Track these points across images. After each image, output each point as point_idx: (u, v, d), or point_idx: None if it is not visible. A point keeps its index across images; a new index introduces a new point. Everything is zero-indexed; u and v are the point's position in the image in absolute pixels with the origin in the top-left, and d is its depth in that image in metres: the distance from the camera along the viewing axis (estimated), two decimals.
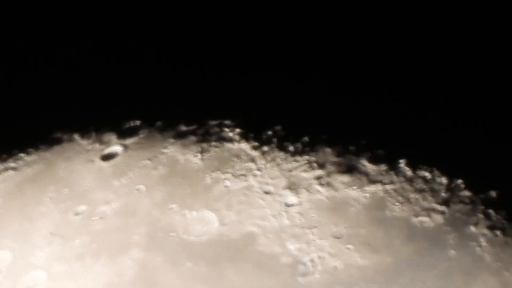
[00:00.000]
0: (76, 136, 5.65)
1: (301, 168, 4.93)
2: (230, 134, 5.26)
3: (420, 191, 4.64)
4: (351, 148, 4.97)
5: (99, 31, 6.60)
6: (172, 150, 5.32)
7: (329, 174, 4.83)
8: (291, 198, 4.74)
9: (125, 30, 6.45)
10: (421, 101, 5.12)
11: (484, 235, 4.36)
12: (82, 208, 4.99)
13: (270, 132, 5.20)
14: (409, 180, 4.71)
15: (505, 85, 5.16)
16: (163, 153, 5.31)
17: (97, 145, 5.54)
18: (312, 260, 4.37)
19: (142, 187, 5.08)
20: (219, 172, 5.04)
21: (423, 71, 5.39)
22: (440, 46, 5.57)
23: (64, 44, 6.50)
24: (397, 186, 4.69)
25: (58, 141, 5.68)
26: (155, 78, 5.91)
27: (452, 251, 4.30)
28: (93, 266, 4.59)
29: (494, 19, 5.62)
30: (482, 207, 4.50)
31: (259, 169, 4.97)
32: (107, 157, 5.43)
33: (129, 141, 5.52)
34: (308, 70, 5.59)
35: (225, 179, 4.97)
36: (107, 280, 4.49)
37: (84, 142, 5.59)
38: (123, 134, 5.60)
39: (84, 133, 5.66)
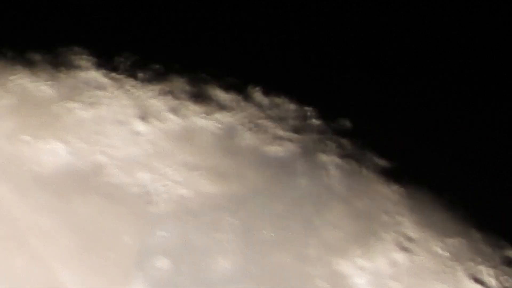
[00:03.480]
0: None
1: (152, 96, 4.80)
2: (81, 62, 5.05)
3: (271, 119, 4.63)
4: (203, 75, 4.89)
5: None
6: (21, 79, 5.03)
7: (180, 102, 4.75)
8: (142, 127, 4.63)
9: None
10: (274, 28, 5.05)
11: (334, 163, 4.42)
12: None
13: (121, 59, 5.02)
14: (261, 108, 4.69)
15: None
16: (11, 81, 5.01)
17: None
18: (161, 189, 4.34)
19: None
20: (69, 100, 4.84)
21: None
22: None
23: None
24: (248, 114, 4.66)
25: None
26: (4, 2, 5.56)
27: (302, 179, 4.35)
28: None
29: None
30: (333, 136, 4.54)
31: (110, 97, 4.80)
32: None
33: None
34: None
35: (74, 107, 4.79)
36: None
37: None
38: None
39: None
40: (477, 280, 4.04)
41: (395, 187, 4.35)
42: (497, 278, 4.03)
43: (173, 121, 4.65)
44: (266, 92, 4.71)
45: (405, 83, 4.79)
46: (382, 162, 4.44)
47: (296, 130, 4.56)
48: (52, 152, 4.56)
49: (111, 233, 4.30)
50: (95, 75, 4.94)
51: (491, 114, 4.77)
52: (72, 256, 4.27)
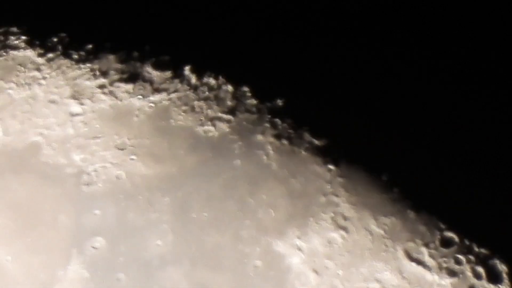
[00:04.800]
0: None
1: (84, 76, 4.79)
2: (16, 42, 5.02)
3: (205, 99, 4.63)
4: (135, 54, 4.87)
5: None
6: None
7: (112, 83, 4.75)
8: (75, 107, 4.65)
9: None
10: (208, 7, 4.98)
11: (270, 143, 4.41)
12: None
13: (55, 39, 5.00)
14: (194, 88, 4.68)
15: None
16: None
17: None
18: (96, 170, 4.39)
19: None
20: (2, 81, 4.84)
21: None
22: None
23: None
24: (181, 94, 4.65)
25: None
26: None
27: (237, 160, 4.36)
28: None
29: None
30: (269, 116, 4.53)
31: (44, 78, 4.80)
32: None
33: None
34: None
35: (9, 88, 4.79)
36: None
37: None
38: None
39: None
40: (414, 259, 4.08)
41: (331, 167, 4.36)
42: (434, 258, 4.07)
43: (106, 102, 4.65)
44: (201, 72, 4.69)
45: (340, 61, 4.75)
46: (318, 142, 4.45)
47: (230, 110, 4.56)
48: None
49: (48, 213, 4.35)
50: (30, 56, 4.93)
51: (425, 93, 4.74)
52: (9, 235, 4.33)
